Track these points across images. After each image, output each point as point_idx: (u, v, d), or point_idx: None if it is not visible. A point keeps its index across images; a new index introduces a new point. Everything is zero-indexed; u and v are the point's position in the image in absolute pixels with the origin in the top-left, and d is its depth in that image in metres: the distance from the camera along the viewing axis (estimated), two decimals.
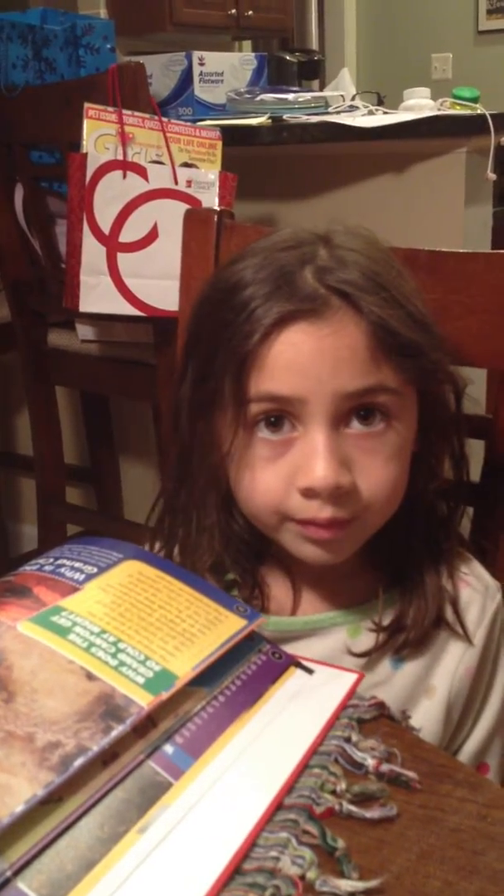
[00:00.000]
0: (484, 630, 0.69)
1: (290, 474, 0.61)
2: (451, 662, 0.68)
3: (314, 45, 4.73)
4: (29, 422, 1.89)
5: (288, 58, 3.14)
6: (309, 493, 0.60)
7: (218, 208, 0.86)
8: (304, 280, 0.60)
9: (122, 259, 1.44)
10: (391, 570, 0.69)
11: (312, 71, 3.32)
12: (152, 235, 1.44)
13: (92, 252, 1.42)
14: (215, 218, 0.85)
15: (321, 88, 2.95)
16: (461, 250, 0.77)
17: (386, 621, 0.67)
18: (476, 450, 0.80)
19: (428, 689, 0.68)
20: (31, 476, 2.02)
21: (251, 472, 0.63)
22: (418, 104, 1.83)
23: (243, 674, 0.52)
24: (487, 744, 0.71)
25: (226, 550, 0.69)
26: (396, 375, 0.61)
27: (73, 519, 2.04)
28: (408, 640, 0.67)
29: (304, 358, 0.60)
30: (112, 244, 1.43)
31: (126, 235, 1.43)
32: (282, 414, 0.61)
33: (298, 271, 0.61)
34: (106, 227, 1.42)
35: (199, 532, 0.70)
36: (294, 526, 0.63)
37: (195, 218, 0.88)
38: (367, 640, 0.67)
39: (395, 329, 0.60)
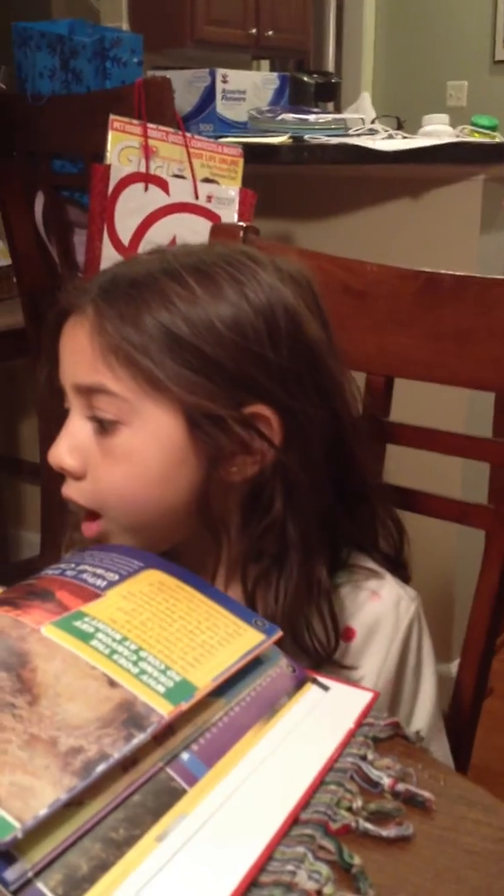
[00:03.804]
0: (398, 644, 0.70)
1: None
2: (370, 678, 0.68)
3: (330, 68, 4.75)
4: (36, 428, 1.90)
5: (305, 79, 3.15)
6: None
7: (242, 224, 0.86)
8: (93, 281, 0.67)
9: None
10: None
11: (328, 93, 3.34)
12: None
13: (110, 262, 1.42)
14: (241, 233, 0.86)
15: (336, 111, 2.97)
16: (485, 276, 0.77)
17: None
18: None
19: None
20: (37, 483, 2.01)
21: None
22: (437, 130, 1.85)
23: (259, 686, 0.52)
24: None
25: None
26: (121, 383, 0.62)
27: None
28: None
29: (62, 350, 0.66)
30: (131, 255, 1.44)
31: (145, 247, 1.44)
32: None
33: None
34: (125, 239, 1.43)
35: None
36: None
37: (221, 232, 0.88)
38: None
39: (109, 331, 0.62)
